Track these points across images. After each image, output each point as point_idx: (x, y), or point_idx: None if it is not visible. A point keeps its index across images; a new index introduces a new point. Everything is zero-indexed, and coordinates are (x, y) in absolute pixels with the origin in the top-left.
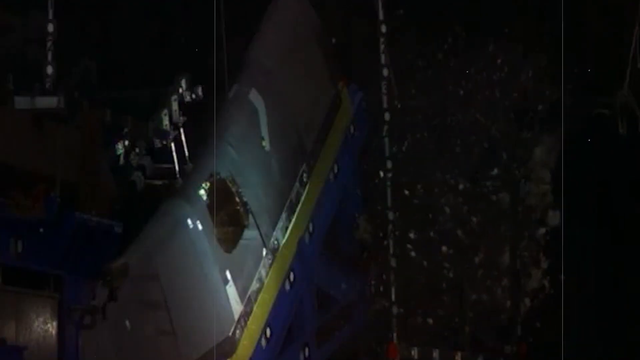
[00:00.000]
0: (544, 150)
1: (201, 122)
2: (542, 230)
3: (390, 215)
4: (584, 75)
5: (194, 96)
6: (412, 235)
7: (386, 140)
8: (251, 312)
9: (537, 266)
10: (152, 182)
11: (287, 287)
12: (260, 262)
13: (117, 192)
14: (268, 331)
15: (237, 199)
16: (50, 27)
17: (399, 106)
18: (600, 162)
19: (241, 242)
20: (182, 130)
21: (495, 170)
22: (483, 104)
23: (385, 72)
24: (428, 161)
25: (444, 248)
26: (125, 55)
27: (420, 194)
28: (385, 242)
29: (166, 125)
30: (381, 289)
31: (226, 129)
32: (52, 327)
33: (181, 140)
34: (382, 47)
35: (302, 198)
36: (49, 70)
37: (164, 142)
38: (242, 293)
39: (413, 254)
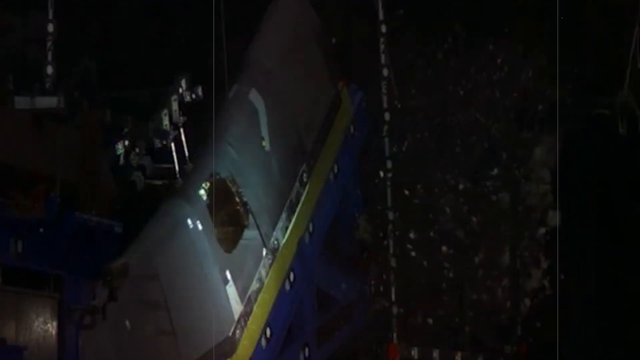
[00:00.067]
0: (544, 150)
1: (201, 122)
2: (542, 230)
3: (390, 215)
4: (584, 75)
5: (194, 96)
6: (412, 235)
7: (386, 140)
8: (251, 312)
9: (537, 266)
10: (152, 182)
11: (287, 287)
12: (260, 262)
13: (117, 192)
14: (268, 331)
15: (237, 199)
16: (50, 27)
17: (399, 106)
18: (600, 162)
19: (241, 242)
20: (182, 130)
21: (496, 170)
22: (483, 103)
23: (385, 72)
24: (428, 161)
25: (444, 248)
26: (125, 55)
27: (421, 194)
28: (385, 242)
29: (166, 125)
30: (381, 289)
31: (226, 129)
32: (52, 327)
33: (181, 140)
34: (382, 47)
35: (302, 198)
36: (49, 70)
37: (164, 142)
38: (242, 293)
39: (413, 254)
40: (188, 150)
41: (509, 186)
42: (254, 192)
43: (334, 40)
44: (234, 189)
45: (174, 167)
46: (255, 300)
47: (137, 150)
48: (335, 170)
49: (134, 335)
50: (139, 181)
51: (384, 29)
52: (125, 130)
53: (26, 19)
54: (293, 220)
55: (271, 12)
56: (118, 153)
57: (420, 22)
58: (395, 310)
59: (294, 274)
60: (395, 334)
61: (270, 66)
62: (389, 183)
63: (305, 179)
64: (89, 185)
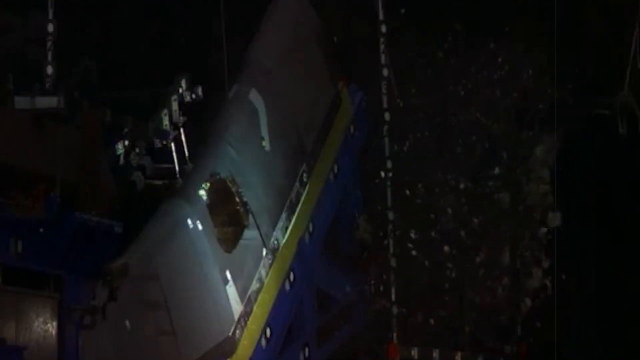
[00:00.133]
0: (544, 150)
1: (201, 122)
2: (543, 230)
3: (390, 215)
4: (584, 75)
5: (194, 96)
6: (412, 235)
7: (386, 140)
8: (251, 312)
9: (537, 266)
10: (152, 182)
11: (287, 287)
12: (260, 262)
13: (117, 192)
14: (268, 331)
15: (237, 199)
16: (50, 27)
17: (399, 106)
18: (600, 162)
19: (241, 242)
20: (182, 130)
21: (496, 170)
22: (483, 103)
23: (385, 72)
24: (428, 161)
25: (445, 248)
26: (125, 55)
27: (421, 194)
28: (385, 242)
29: (166, 125)
30: (381, 289)
31: (226, 129)
32: (52, 327)
33: (181, 140)
34: (382, 47)
35: (302, 198)
36: (49, 70)
37: (164, 142)
38: (242, 293)
39: (413, 253)
40: (188, 150)
41: (509, 186)
42: (254, 192)
43: (334, 40)
44: (234, 189)
45: (174, 167)
46: (255, 300)
47: (137, 150)
48: (335, 170)
49: (134, 335)
50: (139, 181)
51: (384, 29)
52: (125, 130)
53: (26, 19)
54: (293, 220)
55: (271, 12)
56: (118, 153)
57: (420, 22)
58: (395, 310)
59: (294, 274)
60: (395, 334)
61: (270, 66)
62: (389, 183)
63: (305, 179)
64: (89, 185)
